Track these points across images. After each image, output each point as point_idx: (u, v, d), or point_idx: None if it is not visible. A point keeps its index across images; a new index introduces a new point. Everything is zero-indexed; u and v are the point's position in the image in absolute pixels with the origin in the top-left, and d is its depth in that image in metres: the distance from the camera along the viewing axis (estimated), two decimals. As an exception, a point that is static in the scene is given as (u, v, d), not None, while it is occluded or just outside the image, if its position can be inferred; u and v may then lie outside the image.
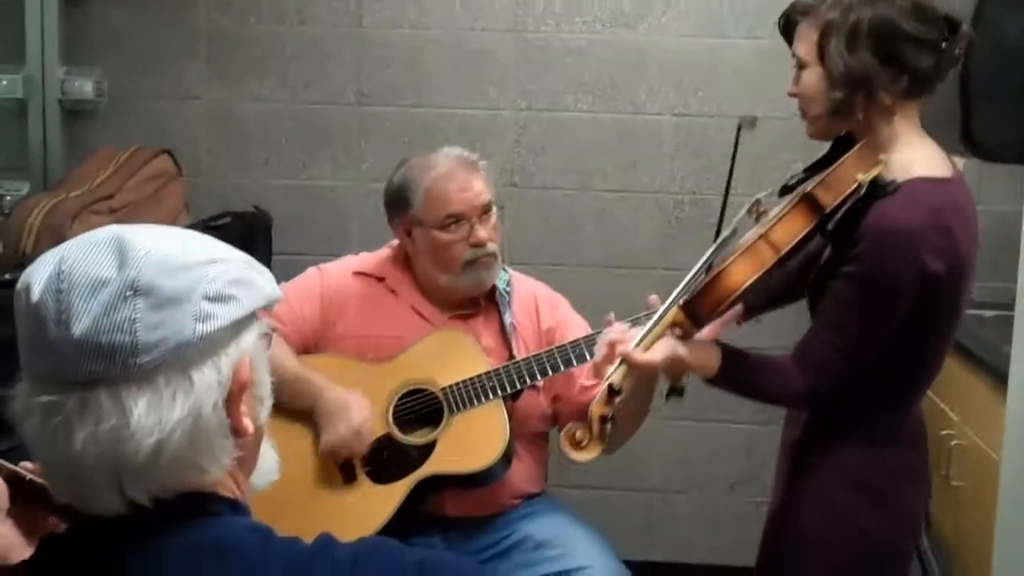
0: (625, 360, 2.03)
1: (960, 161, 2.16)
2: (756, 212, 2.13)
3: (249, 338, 1.25)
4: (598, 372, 2.10)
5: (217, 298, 1.19)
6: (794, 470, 2.23)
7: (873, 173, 1.99)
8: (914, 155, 2.06)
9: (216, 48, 3.97)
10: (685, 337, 2.06)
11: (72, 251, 1.19)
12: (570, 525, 2.84)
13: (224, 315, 1.19)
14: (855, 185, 1.98)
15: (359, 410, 2.70)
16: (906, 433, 2.19)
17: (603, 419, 2.05)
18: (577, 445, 2.08)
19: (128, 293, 1.15)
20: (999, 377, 2.79)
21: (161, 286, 1.16)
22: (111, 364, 1.14)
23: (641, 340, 2.04)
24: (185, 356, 1.17)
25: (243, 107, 3.98)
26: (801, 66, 2.13)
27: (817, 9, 2.09)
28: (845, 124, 2.11)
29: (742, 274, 1.97)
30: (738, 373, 2.10)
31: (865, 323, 2.02)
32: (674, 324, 2.05)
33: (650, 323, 2.07)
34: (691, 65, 3.88)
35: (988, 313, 3.35)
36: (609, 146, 3.92)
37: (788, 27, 2.18)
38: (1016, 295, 2.49)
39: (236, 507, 1.26)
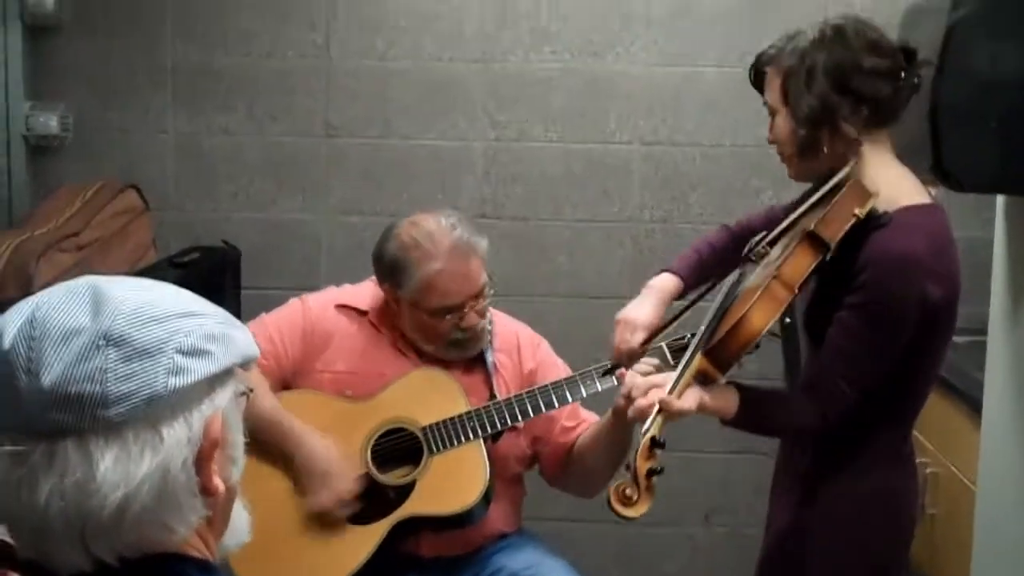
0: (663, 408, 2.05)
1: (933, 189, 2.21)
2: (757, 255, 2.19)
3: (224, 395, 1.22)
4: (641, 417, 2.11)
5: (191, 352, 1.17)
6: (808, 495, 2.28)
7: (869, 206, 2.07)
8: (894, 185, 2.14)
9: (183, 81, 3.94)
10: (710, 383, 2.10)
11: (47, 300, 1.17)
12: (543, 556, 2.82)
13: (198, 370, 1.17)
14: (853, 220, 2.06)
15: (341, 476, 2.66)
16: (907, 452, 2.28)
17: (650, 473, 2.04)
18: (627, 502, 2.06)
19: (100, 343, 1.13)
20: (973, 404, 2.79)
21: (134, 337, 1.14)
22: (80, 415, 1.12)
23: (673, 388, 2.07)
24: (156, 410, 1.14)
25: (210, 140, 3.95)
26: (772, 113, 2.24)
27: (779, 58, 2.20)
28: (816, 161, 2.20)
29: (763, 317, 2.03)
30: (755, 414, 2.16)
31: (872, 352, 2.10)
32: (700, 371, 2.08)
33: (678, 371, 2.11)
34: (660, 94, 3.88)
35: (960, 339, 3.34)
36: (579, 176, 3.92)
37: (758, 77, 2.29)
38: (988, 321, 2.50)
39: (205, 568, 1.23)
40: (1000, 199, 2.44)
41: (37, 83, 3.91)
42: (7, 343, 1.15)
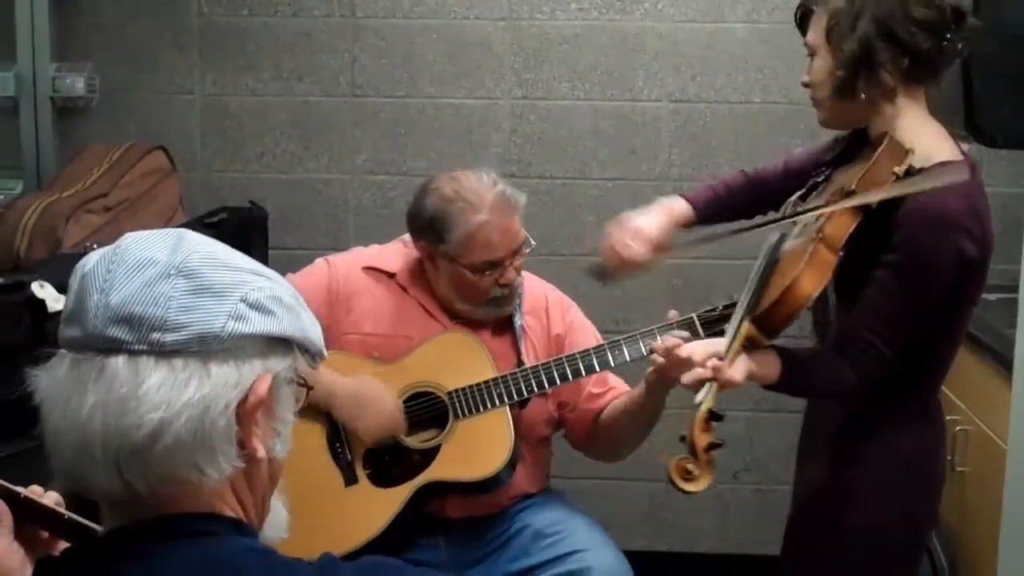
0: (717, 380, 2.05)
1: (965, 145, 2.19)
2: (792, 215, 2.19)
3: (279, 363, 1.24)
4: (696, 386, 2.11)
5: (256, 306, 1.21)
6: (840, 456, 2.28)
7: (907, 164, 2.05)
8: (930, 141, 2.12)
9: (209, 42, 3.93)
10: (757, 349, 2.11)
11: (135, 235, 1.24)
12: (568, 514, 2.82)
13: (258, 323, 1.20)
14: (893, 178, 2.04)
15: (381, 399, 2.66)
16: (936, 410, 2.29)
17: (709, 447, 2.05)
18: (688, 477, 2.06)
19: (172, 272, 1.18)
20: (1004, 362, 2.77)
21: (204, 275, 1.19)
22: (137, 334, 1.16)
23: (724, 357, 2.07)
24: (209, 348, 1.17)
25: (237, 101, 3.95)
26: (812, 54, 2.21)
27: None
28: (851, 107, 2.17)
29: (812, 282, 2.03)
30: (799, 377, 2.16)
31: (909, 310, 2.08)
32: (748, 338, 2.08)
33: (727, 339, 2.09)
34: (688, 51, 3.84)
35: (991, 296, 3.31)
36: (606, 134, 3.89)
37: (804, 18, 2.26)
38: (1020, 278, 2.47)
39: (239, 527, 1.23)
40: (1033, 155, 2.41)
41: (63, 44, 3.91)
42: (89, 266, 1.21)
